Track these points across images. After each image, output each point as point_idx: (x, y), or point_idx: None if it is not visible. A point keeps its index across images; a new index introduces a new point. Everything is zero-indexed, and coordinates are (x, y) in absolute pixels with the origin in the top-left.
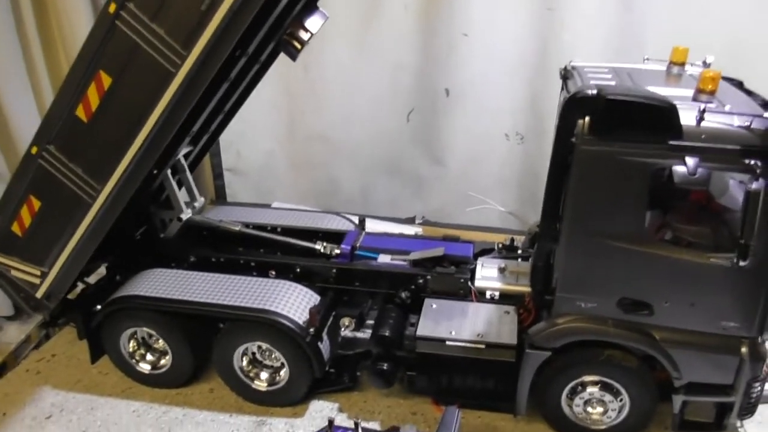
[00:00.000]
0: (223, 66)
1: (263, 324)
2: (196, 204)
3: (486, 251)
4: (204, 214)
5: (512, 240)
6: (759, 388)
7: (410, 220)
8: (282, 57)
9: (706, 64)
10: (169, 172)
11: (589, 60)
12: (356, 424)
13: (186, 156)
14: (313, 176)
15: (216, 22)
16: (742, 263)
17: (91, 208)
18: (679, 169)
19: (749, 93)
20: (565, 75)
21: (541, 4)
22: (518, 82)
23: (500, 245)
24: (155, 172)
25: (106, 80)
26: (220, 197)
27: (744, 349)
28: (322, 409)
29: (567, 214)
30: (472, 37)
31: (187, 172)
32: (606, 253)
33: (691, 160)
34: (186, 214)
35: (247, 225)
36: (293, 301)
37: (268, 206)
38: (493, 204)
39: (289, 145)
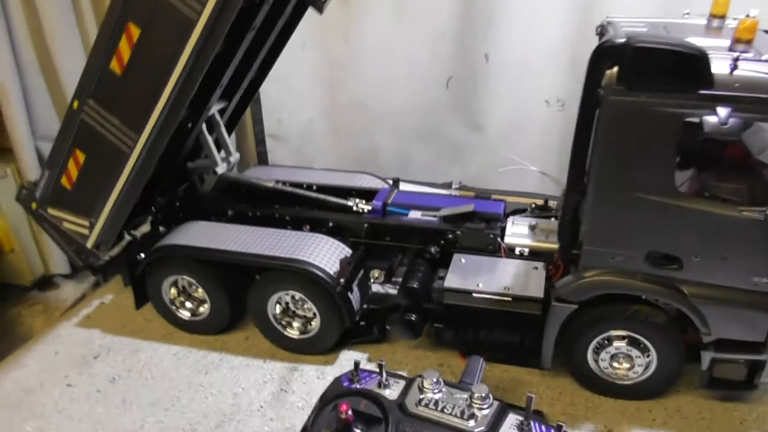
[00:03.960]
0: (245, 13)
1: (296, 273)
2: (231, 159)
3: (519, 211)
4: (243, 173)
5: (546, 201)
6: None
7: (447, 186)
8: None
9: (749, 17)
10: (204, 127)
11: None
12: (380, 366)
13: (221, 113)
14: (352, 143)
15: None
16: None
17: (129, 158)
18: (711, 119)
19: None
20: (601, 31)
21: None
22: (559, 47)
23: (533, 206)
24: (190, 125)
25: (135, 32)
26: (262, 162)
27: None
28: (351, 358)
29: (594, 167)
30: (512, 1)
31: (222, 128)
32: (634, 205)
33: (722, 110)
34: (221, 168)
35: (283, 183)
36: (325, 253)
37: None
38: (526, 164)
39: (329, 113)
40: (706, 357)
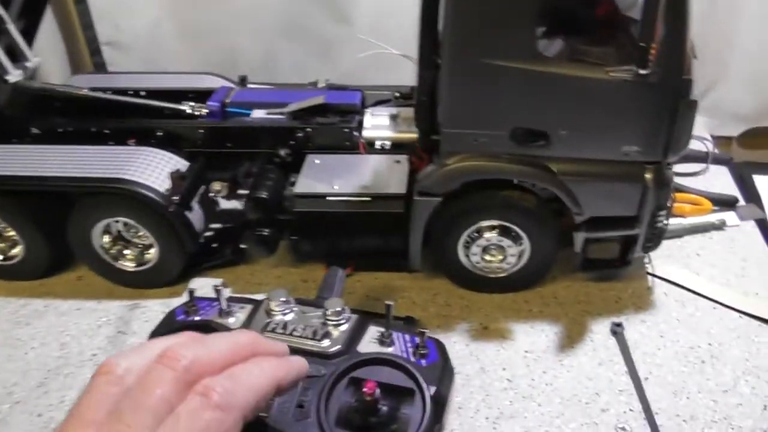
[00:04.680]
0: None
1: (118, 195)
2: (29, 65)
3: (383, 102)
4: (66, 84)
5: (412, 89)
6: (664, 218)
7: (312, 86)
8: None
9: None
10: None
11: None
12: (217, 291)
13: (5, 4)
14: (209, 45)
15: None
16: (642, 71)
17: None
18: None
19: None
20: None
21: None
22: None
23: (398, 94)
24: None
25: None
26: None
27: (648, 176)
28: (203, 286)
29: (446, 34)
30: None
31: (10, 24)
32: (492, 76)
33: None
34: (14, 77)
35: (105, 90)
36: (153, 169)
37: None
38: (385, 47)
39: (177, 12)
40: (579, 238)
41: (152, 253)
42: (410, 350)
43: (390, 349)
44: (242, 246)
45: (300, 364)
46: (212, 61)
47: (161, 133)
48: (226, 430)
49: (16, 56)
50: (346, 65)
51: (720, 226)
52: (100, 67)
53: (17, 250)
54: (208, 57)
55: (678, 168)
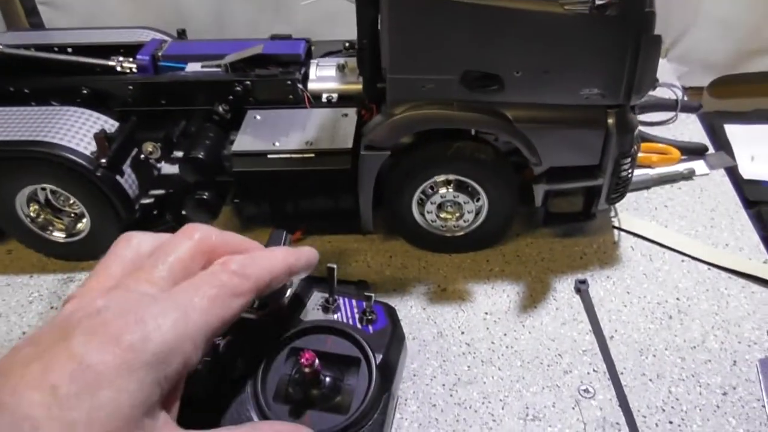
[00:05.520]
0: None
1: (39, 160)
2: None
3: (331, 53)
4: None
5: None
6: (629, 166)
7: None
8: None
9: None
10: None
11: None
12: None
13: None
14: (155, 2)
15: None
16: (600, 2)
17: None
18: None
19: None
20: None
21: None
22: None
23: (347, 44)
24: None
25: None
26: None
27: (610, 120)
28: None
29: None
30: None
31: None
32: (439, 12)
33: None
34: None
35: (27, 47)
36: (78, 130)
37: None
38: None
39: None
40: (539, 191)
41: (84, 222)
42: (357, 316)
43: (335, 316)
44: (183, 212)
45: (311, 253)
46: (158, 19)
47: (87, 92)
48: (241, 293)
49: None
50: (301, 21)
51: (689, 176)
52: (38, 27)
53: None
54: (154, 15)
55: (646, 117)
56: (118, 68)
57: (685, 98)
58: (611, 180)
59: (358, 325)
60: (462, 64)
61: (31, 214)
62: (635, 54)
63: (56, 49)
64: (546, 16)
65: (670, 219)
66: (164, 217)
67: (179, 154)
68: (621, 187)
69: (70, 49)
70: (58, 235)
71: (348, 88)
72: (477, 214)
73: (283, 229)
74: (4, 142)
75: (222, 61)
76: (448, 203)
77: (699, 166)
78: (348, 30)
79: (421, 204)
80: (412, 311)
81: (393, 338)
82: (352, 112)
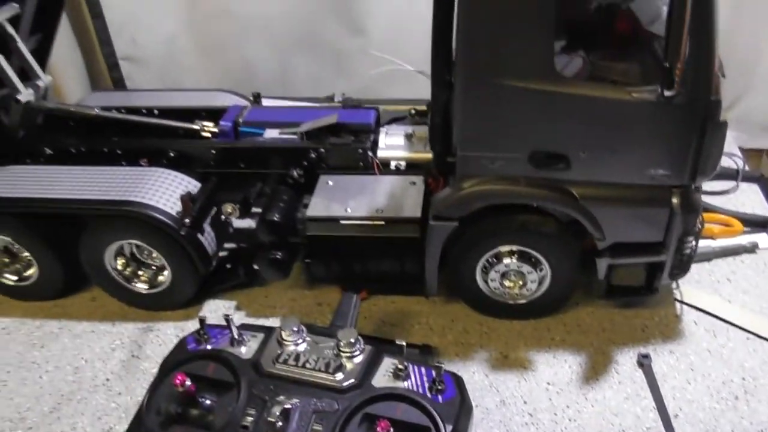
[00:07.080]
0: None
1: (129, 218)
2: (40, 83)
3: (398, 120)
4: (79, 102)
5: (428, 105)
6: (692, 243)
7: (329, 100)
8: None
9: None
10: None
11: None
12: (227, 320)
13: (14, 22)
14: (225, 60)
15: None
16: (667, 93)
17: None
18: None
19: None
20: None
21: None
22: None
23: (413, 111)
24: None
25: None
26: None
27: (675, 200)
28: (217, 309)
29: (459, 54)
30: None
31: (20, 43)
32: (509, 97)
33: None
34: (25, 96)
35: (118, 110)
36: (165, 190)
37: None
38: (401, 64)
39: (191, 26)
40: (602, 264)
41: (165, 275)
42: (426, 385)
43: (405, 384)
44: (256, 267)
45: None
46: (227, 75)
47: (173, 154)
48: None
49: (27, 75)
50: (361, 79)
51: (752, 249)
52: (118, 81)
53: (32, 271)
54: (224, 71)
55: (706, 186)
56: (202, 132)
57: (746, 167)
58: (674, 257)
59: (428, 394)
60: (530, 144)
61: (118, 267)
62: (701, 138)
63: (144, 111)
64: (613, 103)
65: (734, 293)
66: (237, 271)
67: (254, 209)
68: (684, 264)
69: (156, 111)
70: (141, 287)
71: (415, 156)
72: (539, 283)
73: (352, 291)
74: (99, 201)
75: (298, 129)
76: (511, 272)
77: (762, 238)
78: (404, 89)
79: (485, 272)
80: (475, 377)
81: (462, 409)
82: (419, 180)
